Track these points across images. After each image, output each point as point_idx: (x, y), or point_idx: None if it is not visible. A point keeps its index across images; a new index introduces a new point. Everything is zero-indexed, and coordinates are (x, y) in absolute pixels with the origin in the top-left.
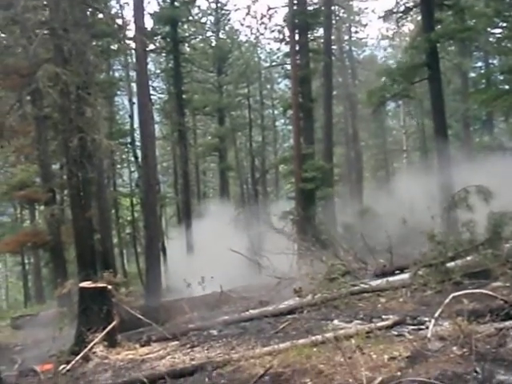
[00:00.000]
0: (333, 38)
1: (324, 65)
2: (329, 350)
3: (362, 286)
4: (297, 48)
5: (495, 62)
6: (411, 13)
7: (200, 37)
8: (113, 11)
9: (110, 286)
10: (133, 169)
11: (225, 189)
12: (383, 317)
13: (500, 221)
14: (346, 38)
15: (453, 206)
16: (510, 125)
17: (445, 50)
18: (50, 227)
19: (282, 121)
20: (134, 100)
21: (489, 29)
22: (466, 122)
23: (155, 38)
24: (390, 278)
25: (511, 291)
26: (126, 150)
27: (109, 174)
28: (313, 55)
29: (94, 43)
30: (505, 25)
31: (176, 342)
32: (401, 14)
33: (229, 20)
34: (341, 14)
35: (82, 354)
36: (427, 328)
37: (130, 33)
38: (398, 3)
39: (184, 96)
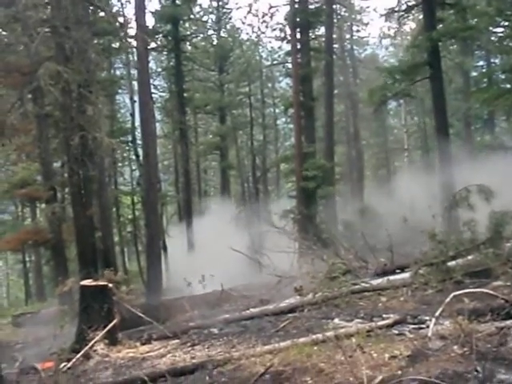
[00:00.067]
0: (334, 36)
1: (325, 63)
2: (329, 349)
3: (363, 284)
4: (298, 46)
5: (497, 61)
6: (413, 11)
7: (201, 35)
8: (114, 9)
9: (110, 284)
10: (134, 167)
11: (226, 187)
12: (384, 316)
13: (501, 220)
14: (348, 36)
15: (454, 205)
16: None
17: (446, 49)
18: (51, 225)
19: (283, 119)
20: (135, 98)
21: (491, 28)
22: (468, 120)
23: (156, 36)
24: (391, 277)
25: None
26: (127, 148)
27: (110, 172)
28: (314, 54)
29: (95, 41)
30: (507, 24)
31: (177, 341)
32: (402, 13)
33: (230, 18)
34: (342, 13)
35: (82, 352)
36: (428, 327)
37: (132, 31)
38: (399, 2)
39: (185, 94)
